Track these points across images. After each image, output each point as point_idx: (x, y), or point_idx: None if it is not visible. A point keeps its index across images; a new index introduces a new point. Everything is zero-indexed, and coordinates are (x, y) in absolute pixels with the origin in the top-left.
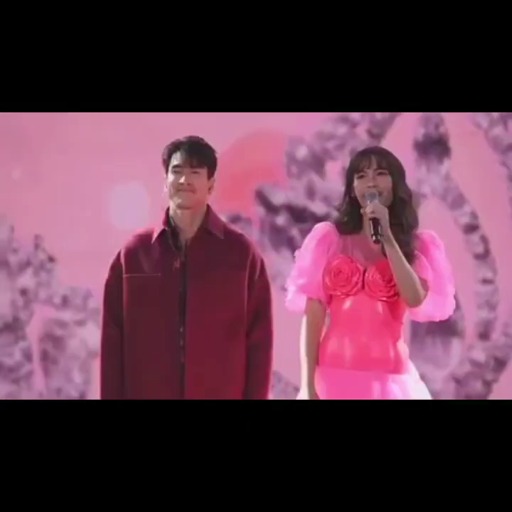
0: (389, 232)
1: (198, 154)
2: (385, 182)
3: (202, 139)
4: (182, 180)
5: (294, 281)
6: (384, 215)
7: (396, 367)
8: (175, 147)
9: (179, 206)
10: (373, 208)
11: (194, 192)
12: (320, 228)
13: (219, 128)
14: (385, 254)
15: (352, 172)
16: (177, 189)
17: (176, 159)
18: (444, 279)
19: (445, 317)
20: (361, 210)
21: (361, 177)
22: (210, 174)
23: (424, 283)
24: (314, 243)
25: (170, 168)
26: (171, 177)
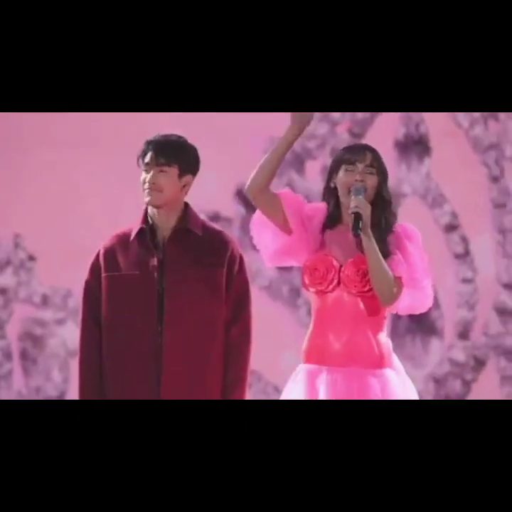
0: (369, 230)
1: (165, 152)
2: (372, 180)
3: (178, 137)
4: (148, 178)
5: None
6: (367, 211)
7: (379, 361)
8: (147, 145)
9: (147, 204)
10: (357, 202)
11: (160, 191)
12: (315, 203)
13: (199, 126)
14: (362, 250)
15: (340, 163)
16: (144, 188)
17: (146, 157)
18: (419, 272)
19: (424, 309)
20: (343, 204)
21: (349, 170)
22: (183, 172)
23: (398, 280)
24: (309, 207)
25: (142, 166)
26: (142, 175)
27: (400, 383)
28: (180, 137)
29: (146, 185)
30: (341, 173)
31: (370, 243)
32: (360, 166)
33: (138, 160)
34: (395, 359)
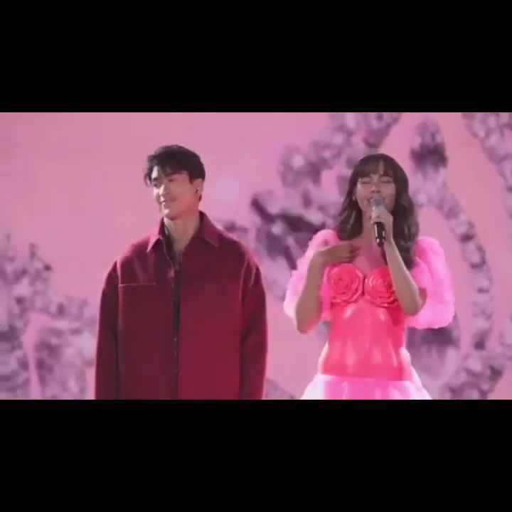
0: (392, 239)
1: (170, 161)
2: (389, 189)
3: (177, 146)
4: (161, 191)
5: (292, 285)
6: (389, 221)
7: (398, 373)
8: (151, 160)
9: (166, 217)
10: (379, 212)
11: (175, 200)
12: (319, 235)
13: (215, 137)
14: (386, 260)
15: (356, 176)
16: (159, 201)
17: (153, 173)
18: (443, 286)
19: (444, 324)
20: (365, 216)
21: (365, 182)
22: (193, 177)
23: (422, 291)
24: (312, 249)
25: (152, 183)
26: (154, 191)
27: (418, 397)
28: (179, 146)
29: (161, 198)
30: (359, 186)
31: (394, 252)
32: (374, 177)
33: (145, 178)
34: (413, 372)
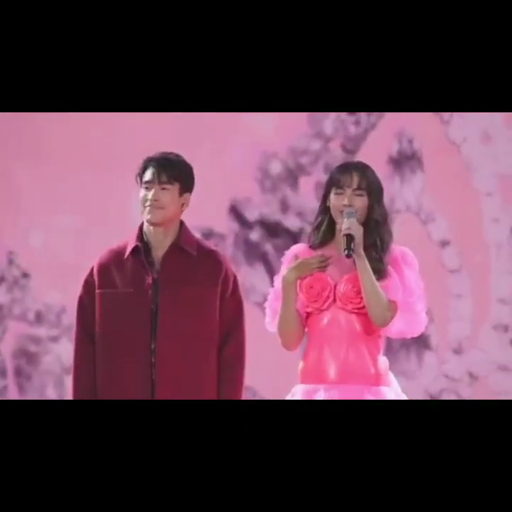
0: (361, 251)
1: (167, 170)
2: (361, 202)
3: (176, 155)
4: (150, 196)
5: (270, 303)
6: (359, 233)
7: (375, 380)
8: (146, 162)
9: (148, 222)
10: (349, 224)
11: (162, 208)
12: (290, 250)
13: (192, 141)
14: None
15: (331, 184)
16: (145, 205)
17: (147, 176)
18: (413, 297)
19: (416, 334)
20: (337, 226)
21: (339, 194)
22: (183, 190)
23: (392, 304)
24: (285, 266)
25: (142, 183)
26: (141, 192)
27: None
28: (178, 155)
29: (148, 203)
30: (332, 196)
31: (364, 264)
32: (348, 190)
33: (137, 177)
34: (392, 378)
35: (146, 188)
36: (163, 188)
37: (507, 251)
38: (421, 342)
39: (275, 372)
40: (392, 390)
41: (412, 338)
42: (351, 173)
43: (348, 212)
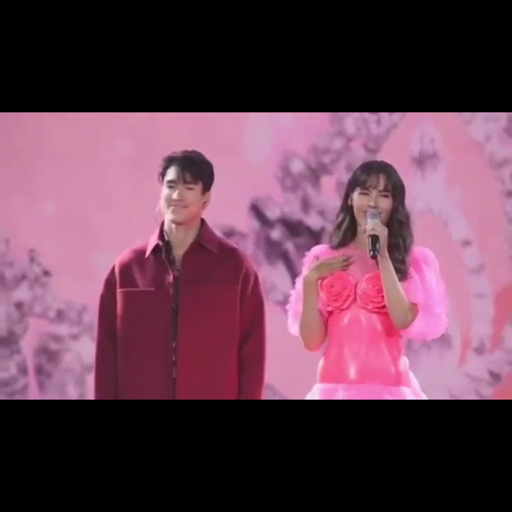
0: (386, 252)
1: (191, 169)
2: (386, 204)
3: (198, 154)
4: (175, 195)
5: (292, 305)
6: (383, 234)
7: (395, 379)
8: (170, 161)
9: (172, 221)
10: (374, 225)
11: (186, 207)
12: (311, 251)
13: (214, 141)
14: (379, 267)
15: (355, 184)
16: (170, 204)
17: (170, 174)
18: (434, 299)
19: (436, 336)
20: (359, 226)
21: (364, 194)
22: (205, 189)
23: (413, 307)
24: (306, 267)
25: (164, 182)
26: (164, 192)
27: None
28: (199, 153)
29: (173, 203)
30: (356, 195)
31: (388, 266)
32: (373, 192)
33: (159, 176)
34: (412, 377)
35: (171, 187)
36: (188, 188)
37: None
38: (442, 341)
39: (295, 371)
40: (412, 390)
41: (433, 338)
42: (378, 174)
43: (372, 213)
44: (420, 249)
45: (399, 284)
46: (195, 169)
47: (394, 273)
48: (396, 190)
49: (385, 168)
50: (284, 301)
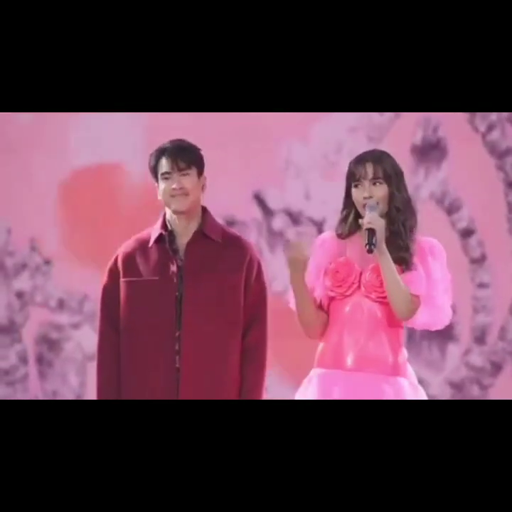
0: (383, 246)
1: (182, 156)
2: (381, 191)
3: (184, 140)
4: (174, 185)
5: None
6: (381, 227)
7: (392, 369)
8: (160, 154)
9: (175, 212)
10: (370, 219)
11: (187, 194)
12: (320, 236)
13: (217, 130)
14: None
15: (349, 178)
16: (170, 195)
17: (163, 166)
18: (438, 290)
19: (440, 327)
20: (360, 221)
21: (357, 186)
22: (200, 173)
23: (414, 298)
24: (314, 250)
25: (159, 175)
26: (162, 184)
27: (412, 394)
28: (185, 140)
29: (173, 192)
30: (353, 190)
31: (386, 259)
32: (365, 182)
33: (152, 171)
34: (409, 369)
35: (166, 178)
36: (184, 175)
37: None
38: (444, 332)
39: (296, 359)
40: (410, 382)
41: (436, 329)
42: (365, 164)
43: (370, 206)
44: (427, 240)
45: (398, 278)
46: (186, 156)
47: (393, 268)
48: (388, 175)
49: (373, 156)
50: (286, 291)
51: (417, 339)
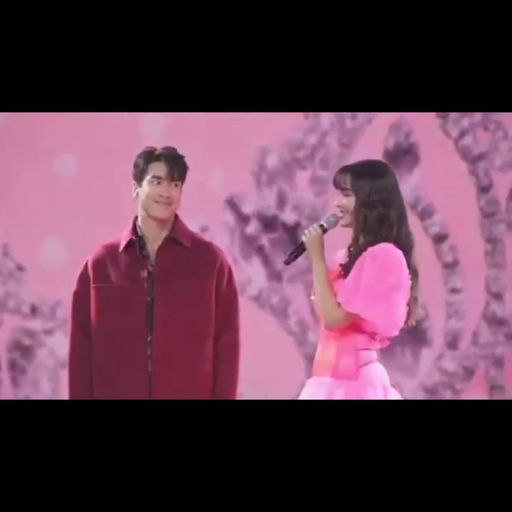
0: (319, 255)
1: (178, 167)
2: (349, 203)
3: (176, 150)
4: (163, 193)
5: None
6: (312, 241)
7: (344, 373)
8: (153, 156)
9: (155, 218)
10: (308, 234)
11: (171, 205)
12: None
13: (189, 136)
14: (341, 265)
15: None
16: (155, 200)
17: (156, 170)
18: (367, 297)
19: (389, 333)
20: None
21: (338, 193)
22: (182, 185)
23: (340, 307)
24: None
25: (147, 177)
26: (148, 187)
27: (371, 395)
28: (176, 149)
29: (158, 198)
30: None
31: (319, 268)
32: (338, 192)
33: (138, 172)
34: (373, 373)
35: (157, 183)
36: (176, 185)
37: (502, 245)
38: (417, 336)
39: (270, 364)
40: (364, 384)
41: (408, 333)
42: (336, 175)
43: (328, 220)
44: (374, 247)
45: (326, 286)
46: (180, 167)
47: (323, 276)
48: (356, 186)
49: (343, 168)
50: (260, 296)
51: (390, 344)
